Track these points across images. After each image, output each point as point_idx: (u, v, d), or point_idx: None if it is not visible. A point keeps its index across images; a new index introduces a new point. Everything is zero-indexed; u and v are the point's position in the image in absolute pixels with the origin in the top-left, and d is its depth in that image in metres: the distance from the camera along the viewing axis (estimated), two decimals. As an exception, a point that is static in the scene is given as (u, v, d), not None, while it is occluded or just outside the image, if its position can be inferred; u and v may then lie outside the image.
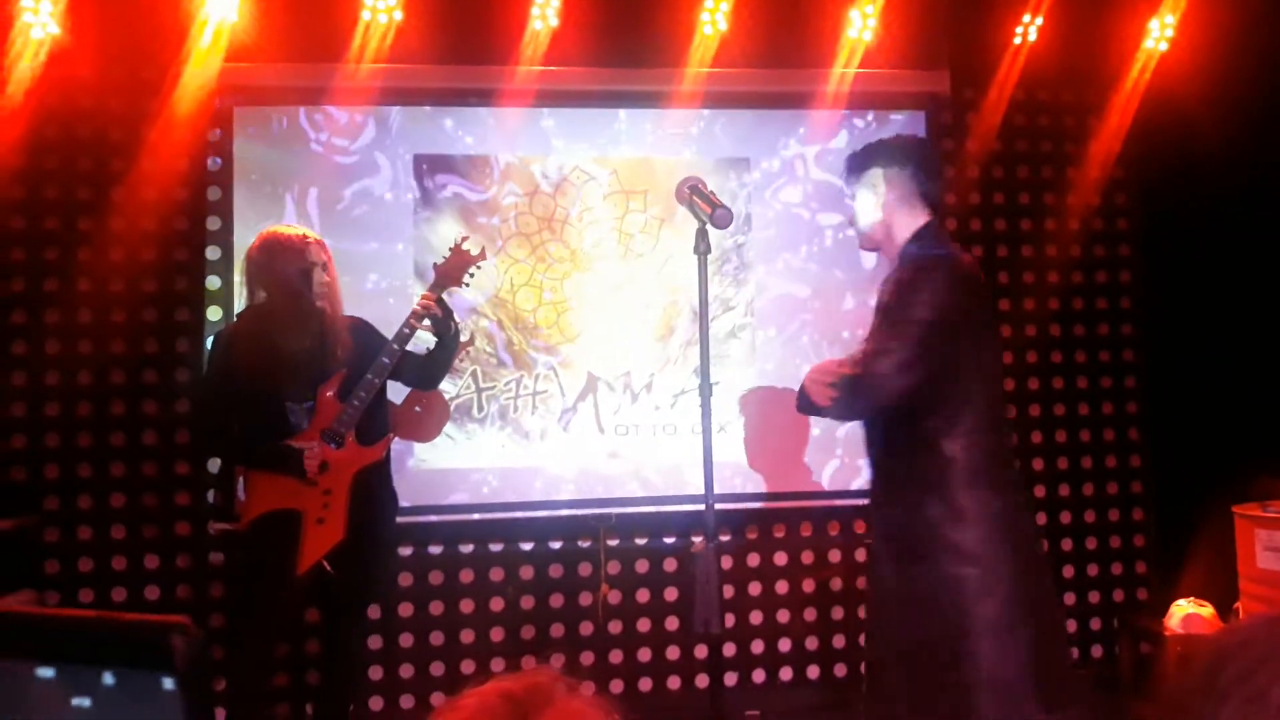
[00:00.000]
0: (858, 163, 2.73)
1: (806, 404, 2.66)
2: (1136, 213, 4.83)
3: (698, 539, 2.65)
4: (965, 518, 2.44)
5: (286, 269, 3.27)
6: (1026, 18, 4.51)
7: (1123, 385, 4.82)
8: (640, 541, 4.38)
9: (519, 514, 4.26)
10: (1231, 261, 4.38)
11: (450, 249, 3.49)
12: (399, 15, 4.14)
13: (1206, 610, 3.86)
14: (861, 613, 4.52)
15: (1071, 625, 4.69)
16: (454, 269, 3.46)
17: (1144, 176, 4.74)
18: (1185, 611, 3.92)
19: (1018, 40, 4.56)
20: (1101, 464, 4.78)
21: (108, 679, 0.86)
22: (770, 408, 4.40)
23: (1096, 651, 4.70)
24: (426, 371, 3.53)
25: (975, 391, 2.52)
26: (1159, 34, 4.55)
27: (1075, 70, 4.67)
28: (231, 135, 4.19)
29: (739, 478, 4.37)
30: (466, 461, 4.26)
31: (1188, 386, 4.57)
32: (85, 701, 0.86)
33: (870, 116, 4.58)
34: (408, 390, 3.85)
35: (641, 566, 4.39)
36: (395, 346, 3.33)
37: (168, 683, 0.83)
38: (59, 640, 0.89)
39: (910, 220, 2.65)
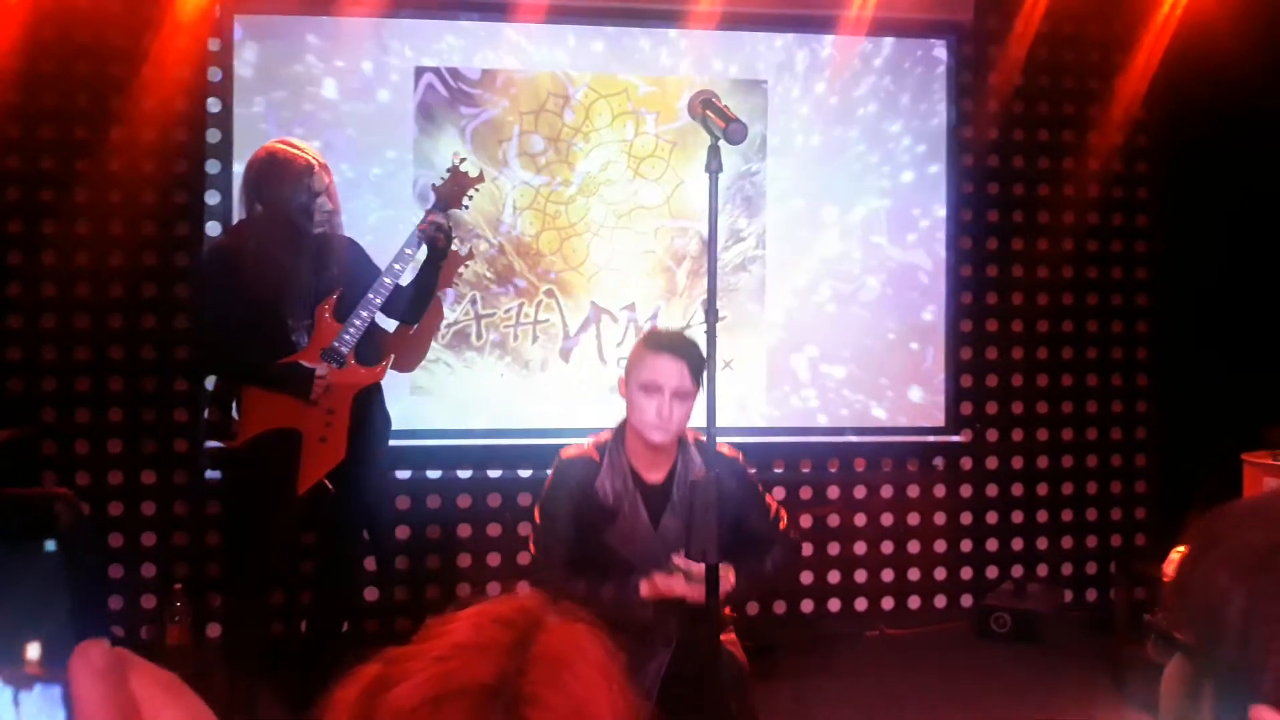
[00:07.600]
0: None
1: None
2: (1157, 155, 4.70)
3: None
4: None
5: (288, 194, 3.20)
6: (1056, -54, 4.35)
7: (1134, 331, 4.75)
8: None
9: (518, 440, 4.22)
10: (1251, 208, 4.27)
11: (448, 170, 3.42)
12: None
13: (1206, 558, 3.83)
14: (858, 549, 4.54)
15: (1068, 569, 4.69)
16: (453, 190, 3.40)
17: (1167, 118, 4.61)
18: (1184, 559, 3.90)
19: (1046, -31, 4.40)
20: (1107, 409, 4.73)
21: None
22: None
23: (1091, 595, 4.71)
24: (408, 301, 3.43)
25: None
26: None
27: (1102, 2, 4.51)
28: (232, 45, 4.07)
29: (742, 412, 4.32)
30: (465, 389, 4.22)
31: (1198, 334, 4.50)
32: None
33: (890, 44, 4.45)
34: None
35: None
36: (397, 266, 3.28)
37: (50, 545, 0.83)
38: None
39: None
